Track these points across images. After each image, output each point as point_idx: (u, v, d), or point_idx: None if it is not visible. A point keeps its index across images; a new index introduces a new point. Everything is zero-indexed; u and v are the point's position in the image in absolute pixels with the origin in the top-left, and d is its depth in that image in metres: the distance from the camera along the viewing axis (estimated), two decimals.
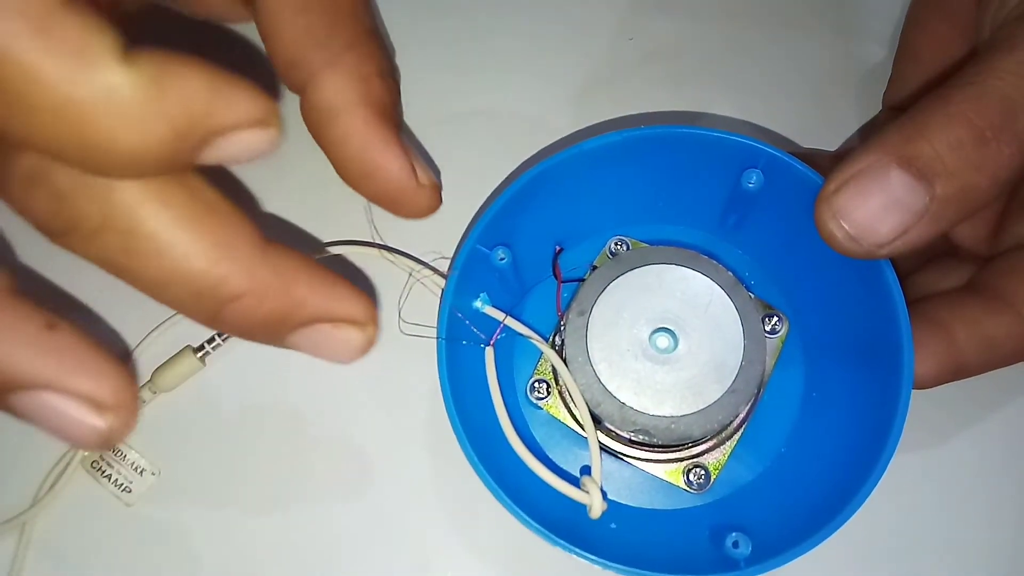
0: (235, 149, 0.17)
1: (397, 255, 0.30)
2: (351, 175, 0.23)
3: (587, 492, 0.24)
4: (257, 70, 0.19)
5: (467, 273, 0.26)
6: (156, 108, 0.15)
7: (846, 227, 0.22)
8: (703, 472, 0.27)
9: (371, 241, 0.31)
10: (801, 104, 0.34)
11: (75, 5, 0.15)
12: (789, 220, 0.27)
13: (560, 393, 0.28)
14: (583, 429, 0.26)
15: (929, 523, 0.28)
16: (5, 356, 0.17)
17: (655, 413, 0.25)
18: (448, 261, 0.27)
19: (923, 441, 0.29)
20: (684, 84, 0.34)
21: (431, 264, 0.30)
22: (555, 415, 0.28)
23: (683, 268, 0.26)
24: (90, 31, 0.15)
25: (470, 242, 0.26)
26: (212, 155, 0.17)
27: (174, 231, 0.17)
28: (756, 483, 0.27)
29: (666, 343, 0.25)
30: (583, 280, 0.27)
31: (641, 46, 0.35)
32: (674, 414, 0.25)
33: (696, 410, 0.25)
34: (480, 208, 0.31)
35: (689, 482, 0.27)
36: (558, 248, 0.29)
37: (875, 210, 0.22)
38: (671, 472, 0.27)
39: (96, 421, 0.18)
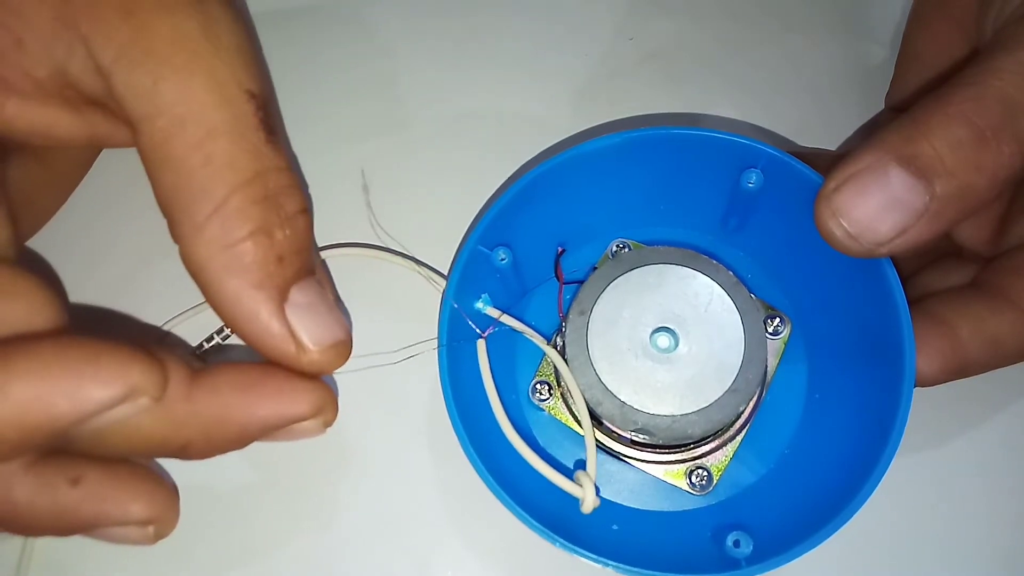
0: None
1: (397, 256, 0.30)
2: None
3: (580, 486, 0.24)
4: None
5: (468, 274, 0.26)
6: None
7: (846, 225, 0.22)
8: (705, 473, 0.27)
9: (371, 243, 0.31)
10: (802, 105, 0.34)
11: None
12: (790, 220, 0.27)
13: (562, 395, 0.28)
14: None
15: (930, 523, 0.28)
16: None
17: (655, 412, 0.25)
18: (449, 261, 0.27)
19: (924, 441, 0.29)
20: (685, 84, 0.34)
21: (432, 265, 0.30)
22: (557, 416, 0.28)
23: (683, 267, 0.26)
24: None
25: (471, 242, 0.26)
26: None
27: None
28: (759, 484, 0.27)
29: (666, 342, 0.25)
30: (584, 281, 0.27)
31: (641, 46, 0.35)
32: (674, 413, 0.25)
33: (696, 409, 0.25)
34: (481, 209, 0.31)
35: (692, 484, 0.27)
36: (560, 249, 0.29)
37: (875, 209, 0.22)
38: (674, 474, 0.27)
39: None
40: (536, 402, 0.28)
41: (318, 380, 0.23)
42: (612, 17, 0.35)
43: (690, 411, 0.25)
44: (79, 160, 0.31)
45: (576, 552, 0.23)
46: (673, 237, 0.30)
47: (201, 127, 0.20)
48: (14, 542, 0.28)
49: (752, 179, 0.26)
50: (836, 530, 0.23)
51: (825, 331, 0.28)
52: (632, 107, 0.34)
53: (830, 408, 0.27)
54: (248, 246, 0.20)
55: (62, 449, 0.20)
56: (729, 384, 0.25)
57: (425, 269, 0.29)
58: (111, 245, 0.32)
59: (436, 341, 0.25)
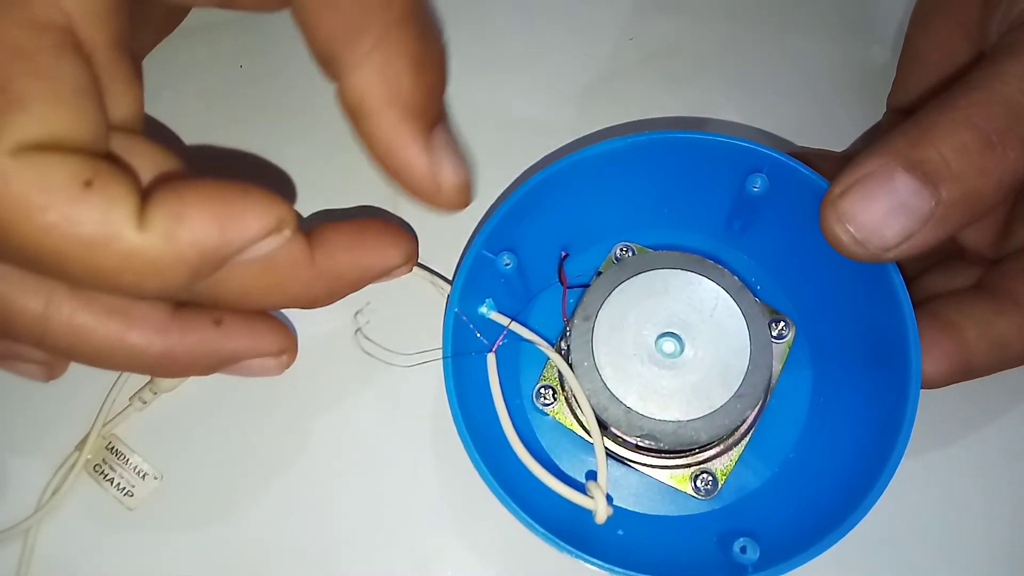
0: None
1: None
2: (382, 170, 0.24)
3: (592, 497, 0.24)
4: None
5: (473, 278, 0.26)
6: (172, 257, 0.19)
7: (852, 231, 0.22)
8: (710, 478, 0.27)
9: None
10: (804, 107, 0.34)
11: (95, 185, 0.18)
12: (794, 224, 0.27)
13: (566, 399, 0.28)
14: (589, 435, 0.26)
15: (936, 527, 0.28)
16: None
17: (661, 418, 0.25)
18: (453, 266, 0.27)
19: (930, 445, 0.28)
20: (687, 87, 0.34)
21: (436, 270, 0.30)
22: (561, 421, 0.28)
23: (688, 272, 0.26)
24: (109, 205, 0.18)
25: (475, 247, 0.26)
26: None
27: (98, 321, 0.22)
28: (764, 489, 0.27)
29: (672, 348, 0.25)
30: (589, 286, 0.27)
31: (644, 50, 0.35)
32: (680, 419, 0.24)
33: (702, 415, 0.24)
34: (485, 213, 0.31)
35: (697, 488, 0.27)
36: (564, 253, 0.29)
37: (881, 214, 0.22)
38: (678, 478, 0.27)
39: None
40: (540, 406, 0.28)
41: (403, 233, 0.25)
42: (614, 19, 0.35)
43: (696, 417, 0.24)
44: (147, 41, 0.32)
45: (582, 558, 0.23)
46: (677, 241, 0.30)
47: None
48: (14, 543, 0.28)
49: (757, 183, 0.26)
50: (844, 535, 0.23)
51: (829, 335, 0.28)
52: (636, 110, 0.34)
53: (835, 412, 0.27)
54: (405, 78, 0.22)
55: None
56: (735, 389, 0.25)
57: (429, 274, 0.29)
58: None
59: (446, 337, 0.25)
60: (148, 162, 0.21)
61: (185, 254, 0.19)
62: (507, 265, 0.26)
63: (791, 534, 0.24)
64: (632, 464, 0.27)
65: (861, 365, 0.27)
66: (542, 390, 0.28)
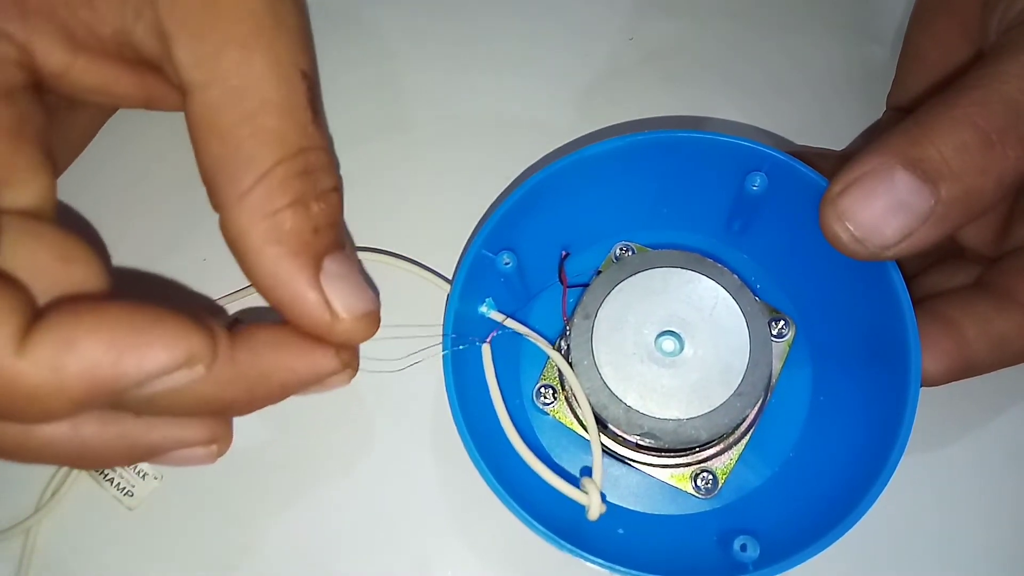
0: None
1: (402, 260, 0.30)
2: (272, 307, 0.22)
3: (586, 493, 0.24)
4: None
5: (472, 278, 0.26)
6: (54, 387, 0.17)
7: (851, 229, 0.22)
8: (711, 477, 0.27)
9: (375, 247, 0.31)
10: (803, 106, 0.34)
11: None
12: (794, 223, 0.27)
13: (566, 398, 0.28)
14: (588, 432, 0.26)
15: (935, 526, 0.28)
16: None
17: (661, 416, 0.25)
18: (453, 266, 0.27)
19: (929, 443, 0.28)
20: (687, 87, 0.34)
21: (436, 269, 0.30)
22: (561, 420, 0.28)
23: (688, 271, 0.26)
24: None
25: (475, 247, 0.26)
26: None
27: None
28: (764, 487, 0.27)
29: (672, 346, 0.25)
30: (588, 285, 0.27)
31: (644, 50, 0.35)
32: (680, 417, 0.24)
33: (702, 413, 0.24)
34: (485, 213, 0.31)
35: (697, 487, 0.27)
36: (564, 253, 0.29)
37: (880, 212, 0.22)
38: (679, 477, 0.27)
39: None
40: (540, 406, 0.28)
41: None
42: (614, 19, 0.35)
43: (695, 415, 0.24)
44: (93, 121, 0.31)
45: (582, 556, 0.23)
46: (677, 240, 0.30)
47: (255, 100, 0.21)
48: (14, 543, 0.28)
49: (756, 182, 0.26)
50: (844, 533, 0.23)
51: (829, 333, 0.28)
52: (636, 110, 0.34)
53: (835, 411, 0.27)
54: (287, 215, 0.21)
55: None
56: (734, 388, 0.25)
57: (429, 274, 0.29)
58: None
59: (440, 346, 0.25)
60: (49, 257, 0.19)
61: (70, 385, 0.17)
62: (507, 264, 0.26)
63: (791, 532, 0.24)
64: (632, 463, 0.27)
65: (861, 363, 0.27)
66: (542, 389, 0.28)
